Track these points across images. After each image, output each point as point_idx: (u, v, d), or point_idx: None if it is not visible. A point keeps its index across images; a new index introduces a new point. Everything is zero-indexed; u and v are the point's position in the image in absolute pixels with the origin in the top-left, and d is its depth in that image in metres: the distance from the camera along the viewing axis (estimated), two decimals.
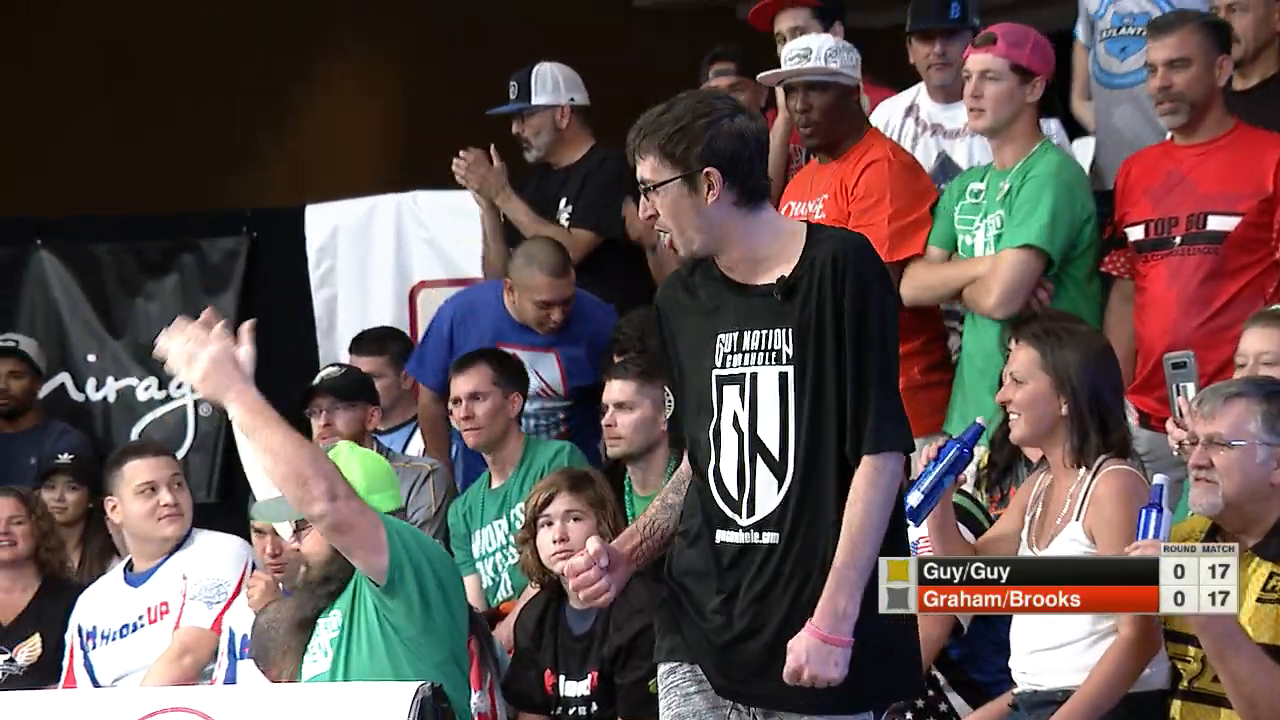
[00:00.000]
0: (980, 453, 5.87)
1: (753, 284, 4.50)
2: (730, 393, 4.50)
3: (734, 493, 4.50)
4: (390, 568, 5.16)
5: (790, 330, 4.44)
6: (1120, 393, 5.36)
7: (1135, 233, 6.29)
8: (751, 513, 4.48)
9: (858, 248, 4.48)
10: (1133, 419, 6.04)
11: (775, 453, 4.46)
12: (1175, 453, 5.28)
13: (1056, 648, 5.18)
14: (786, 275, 4.45)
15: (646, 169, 4.51)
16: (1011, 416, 5.30)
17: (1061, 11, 7.77)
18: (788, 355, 4.45)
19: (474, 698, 5.51)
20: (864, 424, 4.40)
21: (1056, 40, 6.80)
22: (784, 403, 4.45)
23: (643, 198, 4.53)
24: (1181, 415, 5.15)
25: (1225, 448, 4.90)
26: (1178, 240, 6.20)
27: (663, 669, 4.60)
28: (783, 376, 4.45)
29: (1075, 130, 7.22)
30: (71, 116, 11.54)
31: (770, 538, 4.46)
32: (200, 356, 4.91)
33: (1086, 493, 5.15)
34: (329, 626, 5.29)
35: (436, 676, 5.13)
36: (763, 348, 4.47)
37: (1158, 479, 4.78)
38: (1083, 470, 5.18)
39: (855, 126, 6.81)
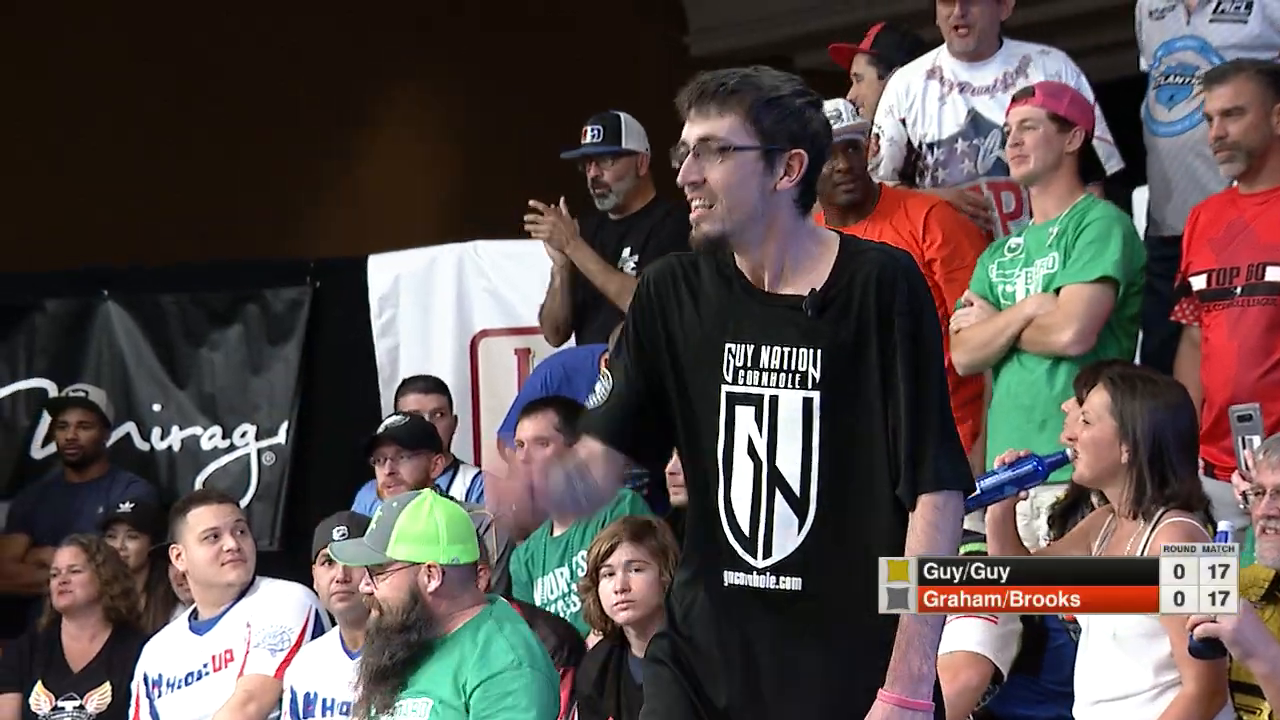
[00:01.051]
0: (1059, 493, 5.87)
1: (775, 293, 4.00)
2: (744, 414, 3.98)
3: (747, 529, 3.99)
4: None
5: (820, 351, 3.95)
6: (1191, 447, 5.28)
7: (1198, 282, 6.28)
8: (768, 554, 3.97)
9: (907, 266, 4.00)
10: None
11: (796, 487, 3.96)
12: (1240, 506, 5.27)
13: (1121, 699, 5.16)
14: (818, 288, 3.97)
15: (721, 127, 3.94)
16: (1075, 455, 5.29)
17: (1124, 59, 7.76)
18: (814, 379, 3.95)
19: None
20: (922, 460, 3.91)
21: (1122, 87, 6.79)
22: (808, 432, 3.95)
23: (690, 157, 3.97)
24: (1247, 468, 5.15)
25: None
26: (1238, 290, 6.17)
27: None
28: (807, 402, 3.95)
29: (1136, 177, 7.21)
30: (137, 170, 11.66)
31: (791, 583, 3.97)
32: None
33: (1146, 544, 5.13)
34: (416, 710, 5.21)
35: None
36: (784, 367, 3.97)
37: (1222, 525, 4.69)
38: (1141, 521, 5.17)
39: (872, 183, 6.88)
